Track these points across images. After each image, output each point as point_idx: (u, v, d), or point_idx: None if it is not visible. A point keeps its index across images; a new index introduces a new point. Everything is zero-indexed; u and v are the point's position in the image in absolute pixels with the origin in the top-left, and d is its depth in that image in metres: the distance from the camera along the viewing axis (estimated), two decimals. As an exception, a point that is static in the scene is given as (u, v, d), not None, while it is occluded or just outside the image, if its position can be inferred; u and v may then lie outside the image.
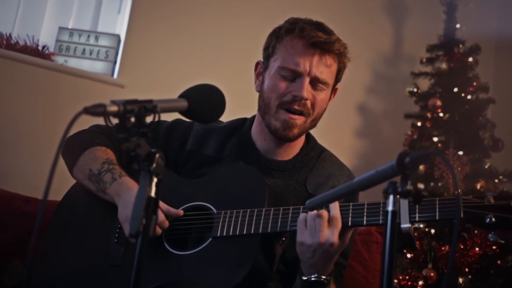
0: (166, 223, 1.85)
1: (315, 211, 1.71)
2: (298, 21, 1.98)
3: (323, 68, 1.95)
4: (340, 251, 1.76)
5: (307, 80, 1.93)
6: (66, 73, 3.44)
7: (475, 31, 4.19)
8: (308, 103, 1.94)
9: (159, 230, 1.84)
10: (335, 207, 1.72)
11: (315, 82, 1.95)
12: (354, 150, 4.26)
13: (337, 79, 2.03)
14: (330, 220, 1.71)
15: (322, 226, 1.70)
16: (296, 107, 1.94)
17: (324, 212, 1.71)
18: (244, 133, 2.10)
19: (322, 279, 1.76)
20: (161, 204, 1.85)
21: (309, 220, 1.72)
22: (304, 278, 1.77)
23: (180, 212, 1.89)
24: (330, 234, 1.70)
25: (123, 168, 1.96)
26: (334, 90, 2.06)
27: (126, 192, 1.86)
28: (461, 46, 4.05)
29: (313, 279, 1.76)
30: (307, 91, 1.93)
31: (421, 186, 3.74)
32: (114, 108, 1.17)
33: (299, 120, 1.95)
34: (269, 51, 2.02)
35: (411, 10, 4.54)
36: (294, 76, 1.94)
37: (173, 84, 3.66)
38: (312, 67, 1.93)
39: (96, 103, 1.15)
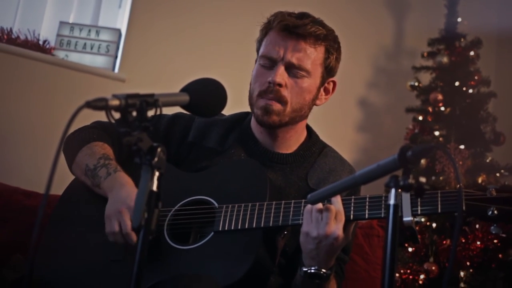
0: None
1: (320, 204, 1.71)
2: (279, 13, 2.00)
3: (299, 54, 1.94)
4: (343, 245, 1.75)
5: (281, 66, 1.93)
6: (66, 68, 3.45)
7: (476, 25, 4.18)
8: (284, 90, 1.94)
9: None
10: (337, 201, 1.72)
11: (292, 69, 1.95)
12: (355, 144, 4.26)
13: (327, 68, 2.01)
14: (335, 214, 1.71)
15: (329, 219, 1.69)
16: (269, 94, 1.94)
17: (331, 206, 1.70)
18: (246, 126, 2.10)
19: (321, 272, 1.75)
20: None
21: (316, 212, 1.71)
22: (304, 269, 1.76)
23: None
24: (336, 228, 1.70)
25: (122, 163, 1.95)
26: (328, 82, 2.04)
27: (119, 187, 1.85)
28: (462, 40, 4.04)
29: (312, 271, 1.75)
30: (279, 76, 1.92)
31: (423, 179, 3.74)
32: (115, 102, 1.17)
33: (275, 106, 1.94)
34: (258, 45, 2.05)
35: (412, 4, 4.53)
36: (271, 64, 1.96)
37: (174, 79, 3.66)
38: (287, 54, 1.93)
39: (98, 97, 1.15)
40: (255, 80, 2.00)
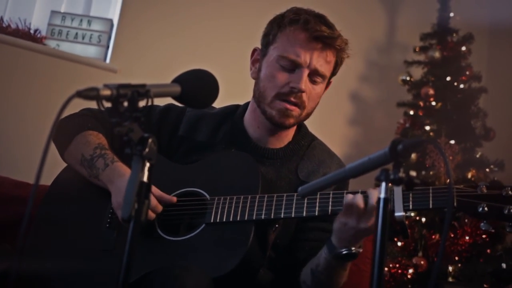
0: (159, 207, 1.85)
1: (360, 196, 1.70)
2: (301, 12, 1.97)
3: (323, 62, 1.95)
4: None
5: (306, 72, 1.93)
6: (58, 57, 3.42)
7: (468, 20, 4.20)
8: (305, 95, 1.94)
9: (152, 215, 1.83)
10: (374, 195, 1.70)
11: (314, 75, 1.95)
12: (346, 138, 4.27)
13: (333, 73, 2.03)
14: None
15: (371, 216, 1.68)
16: (292, 99, 1.93)
17: (374, 201, 1.68)
18: (237, 120, 2.09)
19: (353, 251, 1.76)
20: (154, 189, 1.84)
21: (360, 207, 1.69)
22: (339, 251, 1.76)
23: (174, 198, 1.88)
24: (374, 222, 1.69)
25: (115, 152, 1.95)
26: (328, 83, 2.06)
27: (119, 178, 1.85)
28: (454, 35, 4.06)
29: (345, 252, 1.76)
30: (305, 83, 1.92)
31: (413, 173, 3.75)
32: (107, 92, 1.16)
33: (295, 111, 1.95)
34: (269, 38, 2.00)
35: (404, -1, 4.54)
36: (293, 67, 1.93)
37: (166, 69, 3.64)
38: (313, 60, 1.92)
39: (89, 87, 1.14)
40: (271, 80, 1.96)
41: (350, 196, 1.72)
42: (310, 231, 1.97)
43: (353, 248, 1.76)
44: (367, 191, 1.72)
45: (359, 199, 1.70)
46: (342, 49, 1.98)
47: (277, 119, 1.96)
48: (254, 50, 2.07)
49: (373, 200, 1.68)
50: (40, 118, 3.14)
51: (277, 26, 1.99)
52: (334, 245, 1.77)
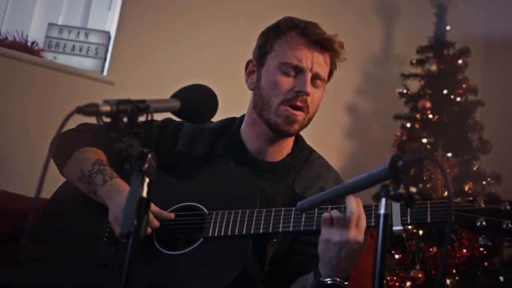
0: (156, 223, 1.84)
1: (336, 211, 1.69)
2: (296, 20, 2.00)
3: (323, 65, 1.98)
4: (361, 252, 1.74)
5: (309, 75, 1.95)
6: (55, 70, 3.42)
7: (464, 33, 4.22)
8: (309, 99, 1.96)
9: (148, 230, 1.82)
10: (359, 205, 1.69)
11: (315, 79, 1.97)
12: (343, 150, 4.28)
13: (328, 79, 2.05)
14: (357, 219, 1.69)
15: (352, 224, 1.67)
16: (298, 103, 1.95)
17: (353, 210, 1.68)
18: (234, 133, 2.09)
19: (338, 282, 1.73)
20: (152, 206, 1.84)
21: (338, 217, 1.69)
22: (322, 279, 1.74)
23: (171, 215, 1.88)
24: (358, 232, 1.69)
25: (113, 168, 1.94)
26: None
27: (117, 194, 1.84)
28: (451, 48, 4.08)
29: (330, 282, 1.73)
30: (309, 86, 1.94)
31: (413, 189, 3.75)
32: (107, 108, 1.17)
33: (299, 116, 1.96)
34: (266, 48, 2.01)
35: (401, 12, 4.56)
36: (296, 72, 1.95)
37: (163, 82, 3.67)
38: (314, 64, 1.95)
39: (89, 103, 1.14)
40: (275, 87, 1.96)
41: (326, 213, 1.71)
42: (301, 245, 1.97)
43: (338, 279, 1.73)
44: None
45: (334, 211, 1.70)
46: (338, 53, 2.00)
47: (283, 127, 1.96)
48: (249, 62, 2.07)
49: (350, 206, 1.68)
50: (37, 131, 3.14)
51: (274, 35, 2.00)
52: (320, 272, 1.76)
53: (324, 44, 1.96)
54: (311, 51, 1.95)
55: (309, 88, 1.93)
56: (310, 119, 2.01)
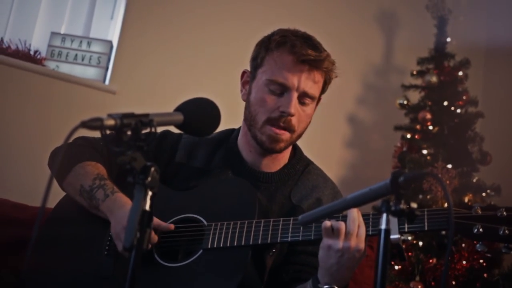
0: (155, 238, 1.84)
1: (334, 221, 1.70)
2: (287, 35, 1.97)
3: (311, 83, 1.94)
4: (361, 261, 1.74)
5: (295, 95, 1.92)
6: (57, 79, 3.44)
7: (465, 45, 4.24)
8: (294, 119, 1.94)
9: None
10: (359, 214, 1.71)
11: (303, 97, 1.95)
12: (343, 160, 4.28)
13: (322, 91, 2.03)
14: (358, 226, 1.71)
15: (353, 231, 1.68)
16: (281, 123, 1.93)
17: (354, 218, 1.69)
18: (231, 144, 2.10)
19: None
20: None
21: (340, 225, 1.69)
22: (320, 286, 1.74)
23: (171, 226, 1.88)
24: (359, 241, 1.70)
25: (114, 181, 1.95)
26: (318, 100, 2.06)
27: (119, 209, 1.84)
28: (451, 60, 4.09)
29: None
30: (294, 107, 1.92)
31: (414, 205, 3.75)
32: (111, 122, 1.18)
33: (284, 135, 1.95)
34: (257, 62, 2.00)
35: (402, 23, 4.58)
36: (282, 90, 1.93)
37: (165, 91, 3.69)
38: (301, 83, 1.92)
39: (93, 117, 1.15)
40: (261, 104, 1.95)
41: (326, 222, 1.72)
42: (297, 254, 1.97)
43: (335, 287, 1.74)
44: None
45: (334, 222, 1.70)
46: (329, 70, 1.97)
47: (268, 145, 1.96)
48: (244, 73, 2.07)
49: (352, 215, 1.69)
50: (39, 139, 3.15)
51: (264, 50, 1.99)
52: (319, 279, 1.76)
53: (312, 64, 1.93)
54: (298, 69, 1.92)
55: (293, 109, 1.91)
56: (299, 135, 2.00)
